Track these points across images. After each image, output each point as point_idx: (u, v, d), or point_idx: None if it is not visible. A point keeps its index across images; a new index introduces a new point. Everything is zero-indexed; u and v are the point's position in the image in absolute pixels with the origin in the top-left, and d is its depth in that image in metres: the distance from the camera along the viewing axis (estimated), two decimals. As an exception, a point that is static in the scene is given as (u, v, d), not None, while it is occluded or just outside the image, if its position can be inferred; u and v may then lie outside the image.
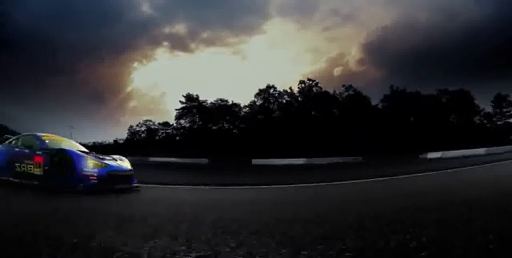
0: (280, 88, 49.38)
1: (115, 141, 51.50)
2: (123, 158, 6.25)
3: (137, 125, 53.97)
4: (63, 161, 5.10)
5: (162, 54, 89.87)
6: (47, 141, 5.98)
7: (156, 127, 53.20)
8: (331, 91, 48.03)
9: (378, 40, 72.28)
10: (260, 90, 49.28)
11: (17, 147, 6.21)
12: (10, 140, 6.69)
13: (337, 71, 76.18)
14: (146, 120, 54.11)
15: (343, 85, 48.02)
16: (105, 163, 5.43)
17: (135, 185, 5.97)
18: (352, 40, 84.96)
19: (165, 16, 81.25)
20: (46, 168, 5.37)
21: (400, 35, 68.65)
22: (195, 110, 49.66)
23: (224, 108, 49.29)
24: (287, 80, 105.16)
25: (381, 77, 65.14)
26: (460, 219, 2.48)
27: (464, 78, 52.87)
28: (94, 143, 48.40)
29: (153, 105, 49.21)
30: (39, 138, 6.04)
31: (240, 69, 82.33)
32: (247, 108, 49.85)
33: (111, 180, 5.33)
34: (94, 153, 5.89)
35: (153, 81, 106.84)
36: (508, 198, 3.78)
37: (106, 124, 72.60)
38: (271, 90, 49.24)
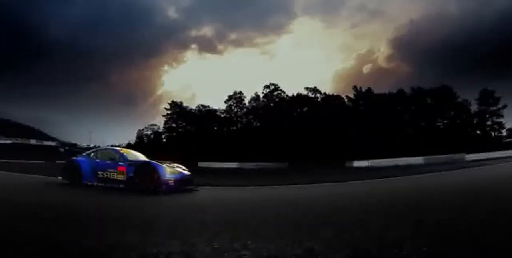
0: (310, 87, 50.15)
1: (128, 144, 53.45)
2: (181, 166, 8.14)
3: (144, 128, 56.19)
4: (149, 170, 6.98)
5: (191, 56, 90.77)
6: (124, 154, 7.81)
7: (161, 131, 55.38)
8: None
9: (407, 34, 70.64)
10: (228, 96, 51.59)
11: (97, 159, 8.02)
12: (88, 152, 8.50)
13: (366, 68, 75.62)
14: (152, 125, 56.56)
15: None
16: (177, 170, 7.34)
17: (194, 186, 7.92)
18: (381, 36, 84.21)
19: (191, 19, 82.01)
20: (130, 175, 7.22)
21: (430, 28, 66.02)
22: (175, 116, 51.96)
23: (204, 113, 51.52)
24: (318, 79, 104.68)
25: (412, 73, 63.84)
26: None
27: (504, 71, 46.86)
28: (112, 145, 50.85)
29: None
30: (118, 152, 7.91)
31: (269, 69, 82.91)
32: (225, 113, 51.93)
33: (182, 183, 7.25)
34: (168, 163, 7.76)
35: (183, 83, 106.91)
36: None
37: (135, 127, 73.74)
38: (238, 96, 51.40)
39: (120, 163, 7.50)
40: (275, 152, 36.28)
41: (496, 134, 41.94)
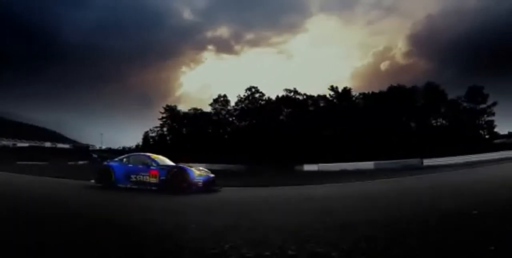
0: (328, 85, 49.06)
1: (137, 146, 54.92)
2: (205, 169, 8.92)
3: (149, 130, 57.45)
4: (181, 173, 7.78)
5: (208, 57, 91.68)
6: (155, 159, 8.62)
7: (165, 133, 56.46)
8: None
9: (424, 30, 68.71)
10: (213, 99, 52.31)
11: (130, 163, 8.83)
12: (120, 158, 9.34)
13: (384, 65, 74.33)
14: (156, 127, 57.70)
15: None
16: (204, 173, 8.11)
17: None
18: (398, 32, 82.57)
19: (207, 21, 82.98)
20: (162, 178, 8.01)
21: (448, 23, 63.28)
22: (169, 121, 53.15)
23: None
24: (336, 77, 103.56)
25: (430, 70, 61.63)
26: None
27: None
28: (123, 147, 52.58)
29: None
30: (150, 157, 8.73)
31: (287, 68, 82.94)
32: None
33: (208, 184, 8.03)
34: (196, 167, 8.54)
35: (201, 84, 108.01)
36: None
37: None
38: (221, 99, 51.92)
39: (152, 167, 8.32)
40: (240, 154, 37.02)
41: (486, 133, 39.20)
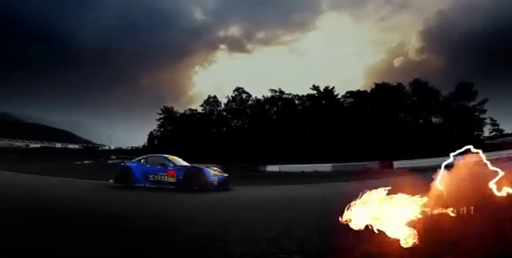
0: (342, 84, 47.91)
1: (144, 146, 55.87)
2: (218, 169, 9.37)
3: (154, 130, 58.25)
4: (199, 173, 8.24)
5: (220, 57, 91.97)
6: (172, 160, 9.09)
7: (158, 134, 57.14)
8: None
9: (437, 25, 65.94)
10: (204, 100, 52.25)
11: (148, 164, 9.31)
12: (138, 159, 9.83)
13: (397, 61, 72.33)
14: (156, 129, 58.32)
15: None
16: (219, 173, 8.55)
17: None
18: (410, 28, 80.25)
19: (218, 20, 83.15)
20: (180, 177, 8.47)
21: (461, 18, 60.25)
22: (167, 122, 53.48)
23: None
24: (348, 75, 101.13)
25: (444, 66, 58.72)
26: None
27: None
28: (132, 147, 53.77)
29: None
30: (167, 158, 9.23)
31: (299, 66, 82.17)
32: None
33: (223, 183, 8.46)
34: (211, 167, 8.98)
35: (215, 84, 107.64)
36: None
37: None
38: (211, 100, 51.75)
39: (169, 167, 8.79)
40: (214, 153, 36.78)
41: (477, 133, 37.35)
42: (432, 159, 21.42)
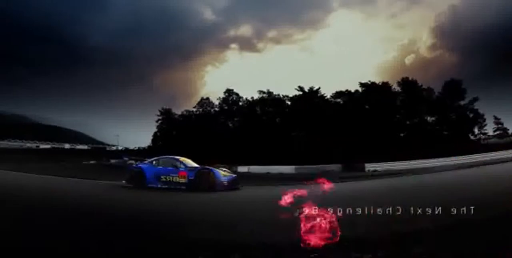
0: (353, 82, 46.50)
1: (149, 146, 56.44)
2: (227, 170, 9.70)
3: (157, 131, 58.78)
4: (209, 174, 8.57)
5: (231, 56, 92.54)
6: (184, 161, 9.44)
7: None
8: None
9: (449, 21, 65.27)
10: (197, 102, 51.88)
11: (159, 165, 9.67)
12: (150, 160, 10.19)
13: (408, 59, 71.89)
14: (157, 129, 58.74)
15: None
16: (228, 173, 8.87)
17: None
18: (422, 24, 79.71)
19: (228, 20, 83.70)
20: (191, 178, 8.80)
21: (474, 13, 59.87)
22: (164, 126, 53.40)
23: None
24: (360, 73, 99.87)
25: (456, 63, 58.33)
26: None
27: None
28: (139, 147, 54.58)
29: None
30: (178, 160, 9.58)
31: (310, 64, 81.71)
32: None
33: (232, 183, 8.79)
34: (220, 168, 9.31)
35: (226, 83, 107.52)
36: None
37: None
38: (204, 101, 51.19)
39: (180, 169, 9.14)
40: (197, 153, 37.29)
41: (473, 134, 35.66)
42: (410, 162, 21.89)
